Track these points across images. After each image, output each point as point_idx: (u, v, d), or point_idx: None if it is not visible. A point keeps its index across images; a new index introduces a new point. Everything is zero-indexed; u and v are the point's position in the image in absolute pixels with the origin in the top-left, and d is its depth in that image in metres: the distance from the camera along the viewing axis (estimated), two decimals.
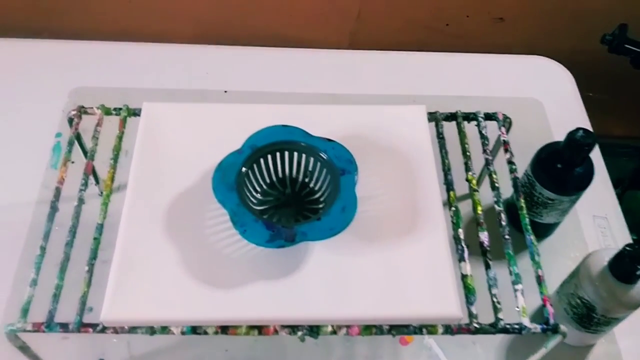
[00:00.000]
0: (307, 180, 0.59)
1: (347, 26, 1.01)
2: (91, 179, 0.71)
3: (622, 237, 0.78)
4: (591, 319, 0.63)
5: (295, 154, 0.57)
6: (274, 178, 0.59)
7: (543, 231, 0.76)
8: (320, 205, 0.57)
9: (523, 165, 0.71)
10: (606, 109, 1.15)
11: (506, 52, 0.98)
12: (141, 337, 0.62)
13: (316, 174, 0.58)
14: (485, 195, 0.63)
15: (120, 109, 0.64)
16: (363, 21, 0.99)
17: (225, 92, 0.87)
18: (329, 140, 0.57)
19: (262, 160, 0.57)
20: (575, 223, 0.79)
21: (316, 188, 0.59)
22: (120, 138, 0.62)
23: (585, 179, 0.68)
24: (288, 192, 0.59)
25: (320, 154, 0.56)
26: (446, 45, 1.01)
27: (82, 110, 0.63)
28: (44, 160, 0.78)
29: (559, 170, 0.67)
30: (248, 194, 0.56)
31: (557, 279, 0.69)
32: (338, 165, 0.55)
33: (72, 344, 0.65)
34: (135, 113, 0.63)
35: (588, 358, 0.69)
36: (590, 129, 0.85)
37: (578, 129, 0.65)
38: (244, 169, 0.54)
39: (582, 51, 1.02)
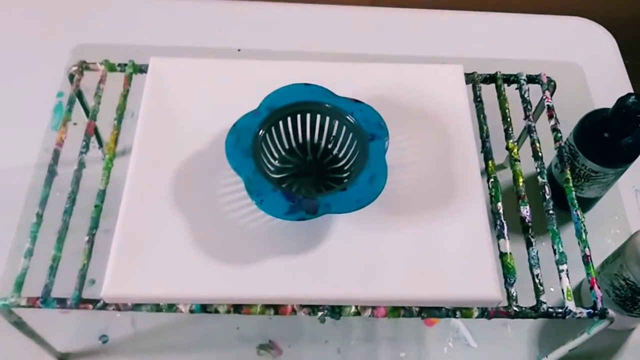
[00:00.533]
0: (330, 146, 0.54)
1: None
2: (94, 142, 0.66)
3: None
4: (636, 302, 0.58)
5: (318, 116, 0.52)
6: (294, 143, 0.53)
7: (582, 206, 0.70)
8: (345, 175, 0.52)
9: (563, 134, 0.65)
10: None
11: (544, 13, 0.91)
12: (147, 313, 0.59)
13: (341, 139, 0.52)
14: (524, 165, 0.57)
15: (126, 64, 0.58)
16: None
17: (239, 50, 0.81)
18: (357, 101, 0.51)
19: (280, 123, 0.51)
20: (615, 197, 0.73)
21: (340, 155, 0.53)
22: (125, 97, 0.56)
23: (634, 150, 0.62)
24: (309, 159, 0.54)
25: (347, 117, 0.50)
26: (478, 3, 0.94)
27: (83, 66, 0.57)
28: (45, 121, 0.73)
29: (606, 140, 0.61)
30: (265, 160, 0.50)
31: (596, 257, 0.63)
32: (366, 129, 0.49)
33: (73, 319, 0.60)
34: (142, 70, 0.58)
35: (628, 342, 0.64)
36: None
37: (629, 94, 0.59)
38: (261, 132, 0.49)
39: (623, 14, 0.95)
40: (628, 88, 0.83)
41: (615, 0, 0.96)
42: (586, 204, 0.70)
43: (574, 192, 0.54)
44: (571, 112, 0.66)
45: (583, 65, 0.85)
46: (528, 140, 0.58)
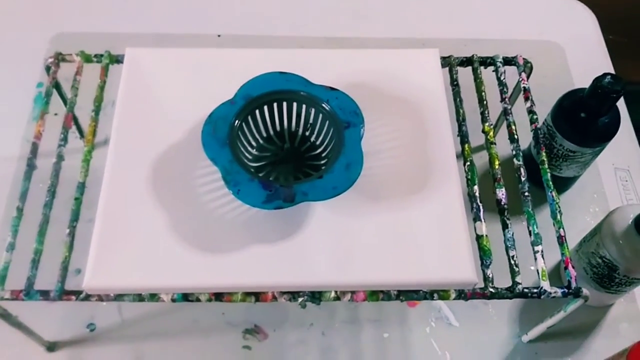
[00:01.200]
0: (307, 133, 0.54)
1: None
2: (76, 132, 0.66)
3: None
4: (612, 279, 0.59)
5: (295, 104, 0.52)
6: (271, 131, 0.54)
7: (561, 185, 0.71)
8: (323, 162, 0.52)
9: (542, 114, 0.65)
10: (627, 53, 1.08)
11: None
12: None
13: (318, 126, 0.53)
14: (500, 146, 0.57)
15: (102, 55, 0.58)
16: None
17: (219, 36, 0.81)
18: (332, 89, 0.51)
19: (257, 112, 0.51)
20: (594, 175, 0.74)
21: (318, 142, 0.54)
22: (102, 88, 0.56)
23: (610, 129, 0.62)
24: (287, 146, 0.54)
25: (322, 105, 0.51)
26: None
27: (60, 57, 0.57)
28: (26, 112, 0.73)
29: (583, 120, 0.62)
30: (242, 149, 0.51)
31: (575, 236, 0.65)
32: (342, 117, 0.50)
33: (59, 309, 0.61)
34: (119, 60, 0.58)
35: (606, 318, 0.65)
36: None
37: (605, 74, 0.59)
38: (237, 122, 0.49)
39: None
40: (608, 66, 0.83)
41: None
42: (565, 182, 0.71)
43: (549, 174, 0.55)
44: (552, 92, 0.66)
45: (564, 44, 0.85)
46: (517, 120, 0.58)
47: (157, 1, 0.85)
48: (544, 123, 0.66)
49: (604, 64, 0.83)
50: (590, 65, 0.81)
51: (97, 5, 0.84)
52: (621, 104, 0.78)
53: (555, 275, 0.66)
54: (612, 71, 0.82)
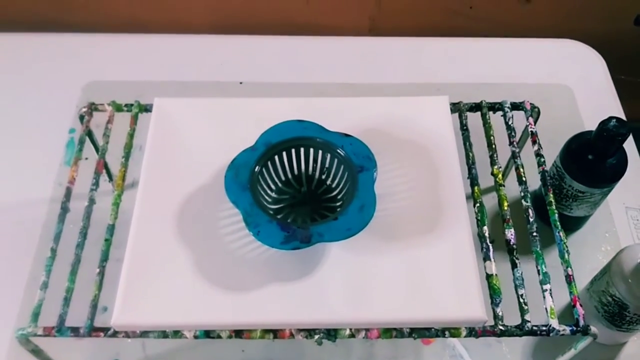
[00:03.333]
0: (324, 177, 0.57)
1: (367, 11, 0.97)
2: (105, 177, 0.70)
3: None
4: (623, 317, 0.60)
5: (312, 150, 0.55)
6: (290, 175, 0.57)
7: (573, 224, 0.73)
8: (338, 204, 0.55)
9: (552, 155, 0.68)
10: (638, 92, 1.10)
11: (534, 36, 0.94)
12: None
13: (333, 170, 0.56)
14: (510, 187, 0.60)
15: (132, 105, 0.62)
16: (383, 5, 0.96)
17: (241, 83, 0.85)
18: (346, 135, 0.54)
19: (276, 157, 0.55)
20: (606, 215, 0.75)
21: (333, 185, 0.56)
22: (131, 135, 0.60)
23: (618, 170, 0.64)
24: (304, 190, 0.57)
25: (337, 150, 0.54)
26: (470, 29, 0.97)
27: (92, 107, 0.61)
28: (58, 157, 0.77)
29: (590, 162, 0.64)
30: (262, 192, 0.54)
31: (587, 274, 0.66)
32: (356, 161, 0.53)
33: (87, 345, 0.64)
34: (147, 109, 0.61)
35: (620, 357, 0.66)
36: (623, 116, 0.82)
37: (610, 118, 0.61)
38: (257, 168, 0.52)
39: (613, 33, 0.97)
40: (617, 107, 0.85)
41: (601, 18, 0.98)
42: (577, 222, 0.73)
43: (556, 214, 0.56)
44: (562, 133, 0.68)
45: (573, 86, 0.87)
46: (527, 162, 0.60)
47: (182, 50, 0.90)
48: (554, 164, 0.68)
49: (612, 105, 0.85)
50: (599, 106, 0.83)
51: (126, 54, 0.89)
52: (631, 144, 0.80)
53: (569, 313, 0.67)
54: (621, 111, 0.84)
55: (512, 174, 0.63)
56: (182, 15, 0.95)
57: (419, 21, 0.99)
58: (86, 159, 0.71)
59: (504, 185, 0.58)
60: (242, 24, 0.95)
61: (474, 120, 0.63)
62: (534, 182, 0.63)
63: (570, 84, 0.88)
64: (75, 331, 0.50)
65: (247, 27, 0.94)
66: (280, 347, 0.64)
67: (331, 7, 0.96)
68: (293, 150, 0.55)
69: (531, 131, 0.62)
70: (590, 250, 0.72)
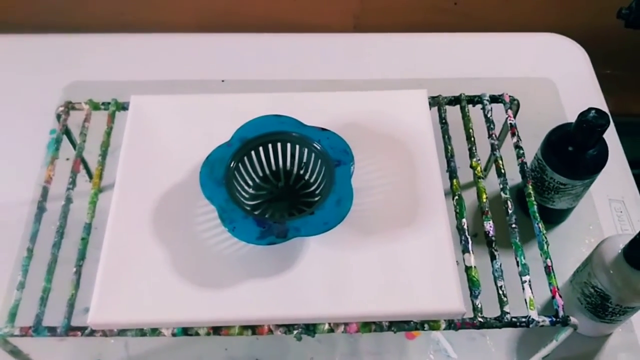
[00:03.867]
0: (302, 172, 0.57)
1: (351, 9, 0.97)
2: (86, 177, 0.70)
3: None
4: (606, 308, 0.60)
5: (288, 145, 0.55)
6: (267, 171, 0.57)
7: (556, 217, 0.73)
8: (316, 199, 0.55)
9: (536, 149, 0.68)
10: (625, 86, 1.11)
11: (518, 31, 0.94)
12: (138, 337, 0.61)
13: (311, 165, 0.55)
14: (495, 182, 0.60)
15: (109, 103, 0.61)
16: (366, 3, 0.96)
17: (223, 81, 0.85)
18: (323, 129, 0.54)
19: (253, 153, 0.54)
20: (590, 207, 0.75)
21: (312, 181, 0.56)
22: (108, 134, 0.60)
23: (598, 161, 0.64)
24: (281, 185, 0.57)
25: (314, 145, 0.53)
26: (455, 25, 0.97)
27: (69, 106, 0.61)
28: (39, 158, 0.76)
29: (571, 154, 0.64)
30: (239, 188, 0.53)
31: (571, 266, 0.66)
32: (333, 155, 0.53)
33: (68, 346, 0.63)
34: (125, 107, 0.61)
35: (604, 348, 0.66)
36: (606, 109, 0.82)
37: (590, 109, 0.61)
38: (233, 163, 0.52)
39: (597, 27, 0.97)
40: (600, 100, 0.85)
41: (585, 12, 0.99)
42: (560, 214, 0.73)
43: (535, 206, 0.56)
44: (545, 127, 0.68)
45: (556, 80, 0.87)
46: (508, 154, 0.60)
47: (165, 49, 0.90)
48: (535, 157, 0.68)
49: (595, 99, 0.85)
50: (582, 99, 0.83)
51: (108, 55, 0.88)
52: (614, 137, 0.80)
53: (552, 305, 0.67)
54: (604, 105, 0.84)
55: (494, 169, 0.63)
56: (167, 15, 0.95)
57: (403, 18, 0.99)
58: (67, 159, 0.72)
59: (483, 178, 0.58)
60: (227, 23, 0.95)
61: (456, 115, 0.63)
62: (518, 176, 0.63)
63: (553, 78, 0.88)
64: (52, 331, 0.49)
65: (232, 26, 0.94)
66: (264, 345, 0.64)
67: (315, 6, 0.96)
68: (270, 146, 0.55)
69: (510, 123, 0.62)
70: (574, 243, 0.72)
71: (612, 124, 0.82)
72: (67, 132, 0.61)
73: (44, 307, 0.50)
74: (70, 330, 0.49)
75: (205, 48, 0.89)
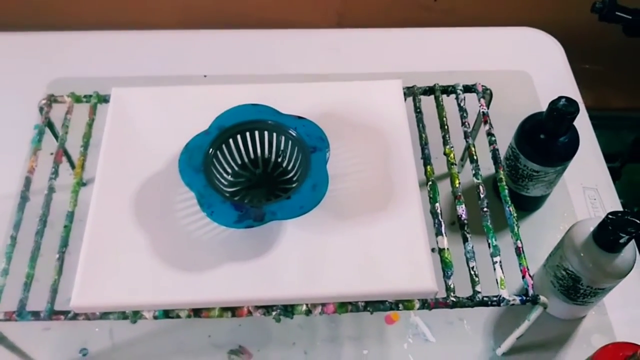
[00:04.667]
0: (280, 160, 0.58)
1: (334, 6, 0.99)
2: (69, 169, 0.71)
3: (612, 208, 0.76)
4: (577, 290, 0.62)
5: (265, 133, 0.56)
6: (246, 159, 0.58)
7: (531, 204, 0.75)
8: (294, 185, 0.56)
9: (510, 140, 0.70)
10: (604, 81, 1.13)
11: (495, 25, 0.96)
12: (123, 325, 0.63)
13: (288, 153, 0.57)
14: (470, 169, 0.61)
15: (91, 95, 0.63)
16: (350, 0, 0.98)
17: (205, 76, 0.86)
18: (299, 117, 0.56)
19: (231, 141, 0.56)
20: (564, 195, 0.77)
21: (289, 168, 0.58)
22: (90, 125, 0.61)
23: (569, 148, 0.66)
24: (260, 172, 0.58)
25: (290, 132, 0.55)
26: (435, 21, 0.99)
27: (52, 99, 0.62)
28: (24, 153, 0.77)
29: (543, 141, 0.66)
30: (218, 175, 0.55)
31: (546, 252, 0.68)
32: (308, 142, 0.54)
33: (54, 335, 0.64)
34: (106, 99, 0.62)
35: (578, 330, 0.68)
36: (580, 101, 0.84)
37: (560, 97, 0.63)
38: (211, 150, 0.53)
39: (573, 22, 1.00)
40: (575, 92, 0.87)
41: (560, 6, 1.01)
42: (535, 201, 0.75)
43: (506, 190, 0.58)
44: (520, 118, 0.70)
45: (532, 73, 0.89)
46: (485, 144, 0.62)
47: (147, 46, 0.91)
48: (509, 146, 0.70)
49: (569, 91, 0.87)
50: (557, 92, 0.84)
51: (91, 51, 0.90)
52: (587, 127, 0.83)
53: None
54: (579, 96, 0.86)
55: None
56: (149, 13, 0.97)
57: (385, 15, 1.01)
58: (51, 153, 0.72)
59: (455, 164, 0.60)
60: (209, 20, 0.96)
61: (431, 107, 0.65)
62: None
63: (529, 71, 0.90)
64: (35, 315, 0.51)
65: (215, 23, 0.95)
66: (246, 331, 0.65)
67: (299, 3, 0.98)
68: (247, 134, 0.56)
69: (482, 112, 0.63)
70: (549, 229, 0.74)
71: (586, 115, 0.84)
72: (49, 124, 0.63)
73: (28, 292, 0.51)
74: (53, 314, 0.50)
75: (187, 44, 0.91)
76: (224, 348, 0.65)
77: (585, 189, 0.78)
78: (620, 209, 0.77)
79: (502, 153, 0.66)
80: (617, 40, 0.96)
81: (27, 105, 0.81)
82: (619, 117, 1.27)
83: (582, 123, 0.79)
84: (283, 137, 0.56)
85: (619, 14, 0.91)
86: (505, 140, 0.63)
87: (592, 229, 0.59)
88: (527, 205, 0.75)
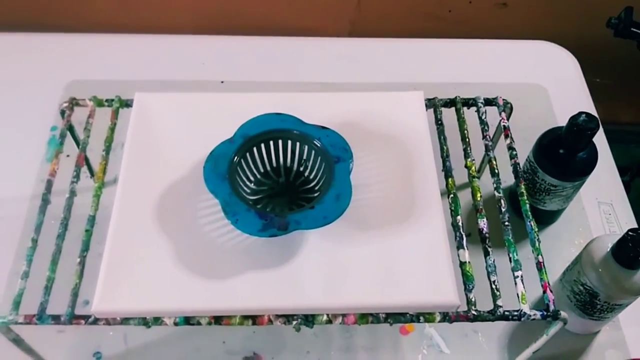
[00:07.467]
0: (302, 169, 0.58)
1: (347, 15, 0.99)
2: (85, 171, 0.71)
3: (627, 223, 0.76)
4: (594, 305, 0.62)
5: (289, 142, 0.57)
6: (268, 167, 0.58)
7: (547, 218, 0.75)
8: (315, 195, 0.56)
9: (527, 153, 0.70)
10: (614, 95, 1.13)
11: (510, 38, 0.96)
12: (137, 330, 0.62)
13: (311, 162, 0.57)
14: (489, 182, 0.61)
15: (113, 100, 0.63)
16: (363, 9, 0.98)
17: (222, 82, 0.86)
18: (323, 127, 0.56)
19: (255, 149, 0.56)
20: (579, 209, 0.77)
21: (311, 177, 0.58)
22: (112, 129, 0.61)
23: (588, 164, 0.66)
24: (282, 181, 0.58)
25: (314, 142, 0.55)
26: (449, 32, 0.99)
27: (74, 102, 0.62)
28: (40, 154, 0.77)
29: (561, 156, 0.66)
30: (241, 183, 0.55)
31: (561, 266, 0.68)
32: (332, 153, 0.54)
33: (68, 338, 0.64)
34: (128, 104, 0.62)
35: (592, 346, 0.68)
36: (595, 114, 0.84)
37: (580, 113, 0.63)
38: (236, 158, 0.53)
39: (587, 36, 1.00)
40: (589, 106, 0.88)
41: (576, 21, 1.01)
42: (550, 215, 0.75)
43: (528, 205, 0.58)
44: (536, 131, 0.70)
45: (547, 86, 0.90)
46: (501, 157, 0.62)
47: (165, 50, 0.91)
48: (527, 160, 0.70)
49: (585, 104, 0.87)
50: (572, 105, 0.85)
51: (108, 54, 0.90)
52: (603, 142, 0.83)
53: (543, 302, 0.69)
54: (594, 110, 0.86)
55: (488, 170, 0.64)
56: (164, 17, 0.97)
57: (399, 26, 1.01)
58: (67, 156, 0.73)
59: (477, 177, 0.60)
60: (224, 26, 0.97)
61: (451, 118, 0.65)
62: (511, 178, 0.65)
63: (544, 84, 0.90)
64: (56, 319, 0.50)
65: (230, 29, 0.95)
66: (261, 338, 0.65)
67: (312, 11, 0.98)
68: (271, 142, 0.56)
69: (503, 125, 0.64)
70: (564, 243, 0.74)
71: (601, 129, 0.84)
72: (70, 128, 0.63)
73: (48, 295, 0.51)
74: (74, 318, 0.50)
75: (205, 49, 0.91)
76: (238, 355, 0.65)
77: (600, 204, 0.78)
78: (635, 224, 0.77)
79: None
80: (629, 56, 0.96)
81: (44, 107, 0.82)
82: (628, 132, 1.27)
83: (598, 138, 0.79)
84: (306, 147, 0.56)
85: (634, 30, 0.91)
86: (519, 152, 0.64)
87: (610, 245, 0.59)
88: (543, 219, 0.75)
